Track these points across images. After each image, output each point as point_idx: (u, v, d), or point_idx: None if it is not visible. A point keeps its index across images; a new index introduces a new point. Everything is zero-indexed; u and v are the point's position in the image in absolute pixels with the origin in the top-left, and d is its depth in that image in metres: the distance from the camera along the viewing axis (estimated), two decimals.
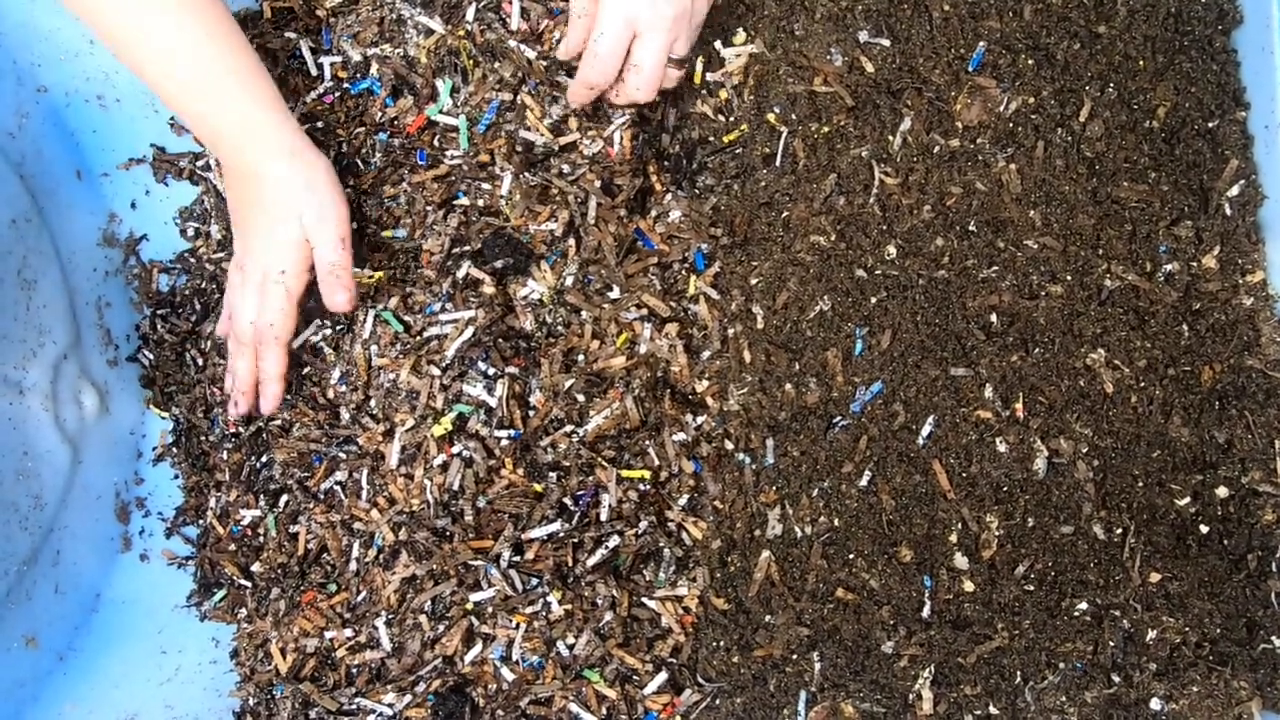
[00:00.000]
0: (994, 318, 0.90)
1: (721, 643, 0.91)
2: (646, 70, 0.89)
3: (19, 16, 1.06)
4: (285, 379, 0.98)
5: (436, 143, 1.01)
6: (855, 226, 0.93)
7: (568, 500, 0.93)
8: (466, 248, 0.97)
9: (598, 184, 0.96)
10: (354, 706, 0.95)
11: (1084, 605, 0.86)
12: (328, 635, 0.98)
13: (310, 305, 1.02)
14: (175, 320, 1.18)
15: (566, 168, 0.96)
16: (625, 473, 0.93)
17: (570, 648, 0.92)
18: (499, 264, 0.95)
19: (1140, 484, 0.87)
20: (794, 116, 0.96)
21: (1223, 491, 0.87)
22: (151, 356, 1.19)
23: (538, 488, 0.93)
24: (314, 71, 1.05)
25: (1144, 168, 0.91)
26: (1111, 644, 0.85)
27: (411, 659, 0.95)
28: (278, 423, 1.05)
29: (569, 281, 0.95)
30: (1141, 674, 0.84)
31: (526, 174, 0.96)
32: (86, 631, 1.11)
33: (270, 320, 0.94)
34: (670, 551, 0.95)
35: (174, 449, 1.19)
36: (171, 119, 1.16)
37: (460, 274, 0.96)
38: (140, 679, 1.09)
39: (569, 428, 0.94)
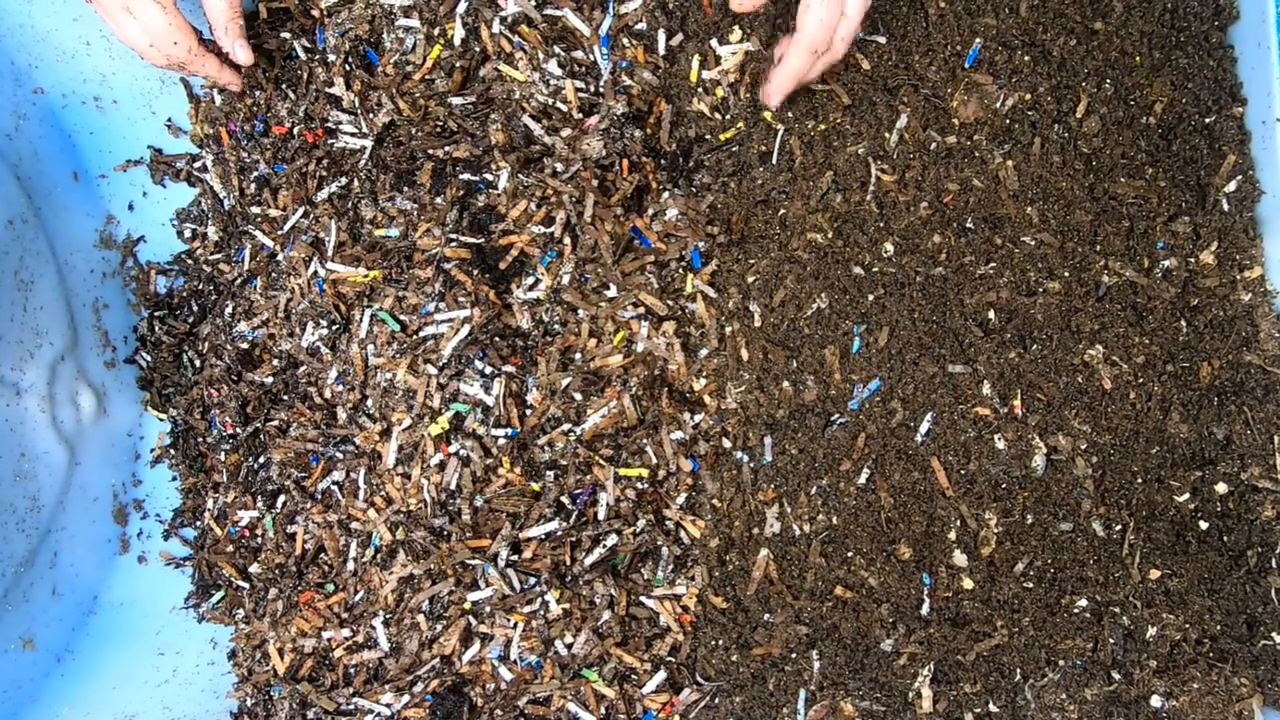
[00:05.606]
0: (992, 314, 0.90)
1: (720, 641, 0.91)
2: (853, 14, 0.83)
3: (16, 17, 1.06)
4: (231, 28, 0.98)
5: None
6: (852, 224, 0.93)
7: (565, 499, 0.93)
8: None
9: (594, 182, 0.96)
10: (352, 707, 0.95)
11: (1083, 602, 0.85)
12: (325, 635, 0.98)
13: (304, 307, 1.02)
14: (173, 322, 1.18)
15: (560, 166, 0.96)
16: (623, 471, 0.93)
17: (568, 647, 0.92)
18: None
19: (1139, 480, 0.87)
20: (790, 114, 0.96)
21: (1222, 488, 0.87)
22: (149, 358, 1.19)
23: (535, 486, 0.93)
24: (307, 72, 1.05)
25: (1141, 164, 0.91)
26: (1111, 641, 0.84)
27: (409, 659, 0.95)
28: (275, 423, 1.05)
29: (566, 280, 0.95)
30: (1141, 671, 0.84)
31: (522, 175, 0.96)
32: (84, 633, 1.11)
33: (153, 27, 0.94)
34: (668, 550, 0.95)
35: (172, 450, 1.18)
36: (169, 120, 1.16)
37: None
38: (138, 680, 1.09)
39: (566, 426, 0.94)
